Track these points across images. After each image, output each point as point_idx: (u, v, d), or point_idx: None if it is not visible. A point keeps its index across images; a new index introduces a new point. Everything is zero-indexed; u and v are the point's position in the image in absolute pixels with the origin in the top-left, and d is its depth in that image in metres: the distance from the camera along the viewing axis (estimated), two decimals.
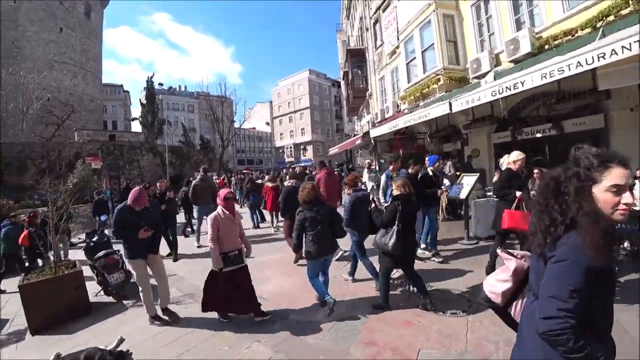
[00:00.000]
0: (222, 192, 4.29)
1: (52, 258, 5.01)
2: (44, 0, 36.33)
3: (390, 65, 16.66)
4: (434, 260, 5.80)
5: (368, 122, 19.53)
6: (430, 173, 6.47)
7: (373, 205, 4.56)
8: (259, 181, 12.22)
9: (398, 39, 15.26)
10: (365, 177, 12.36)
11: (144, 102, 32.72)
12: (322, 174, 7.39)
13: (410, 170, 5.95)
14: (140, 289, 4.26)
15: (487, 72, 9.79)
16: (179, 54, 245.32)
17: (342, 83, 30.36)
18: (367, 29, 19.50)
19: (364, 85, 20.76)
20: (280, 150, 65.26)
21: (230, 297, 4.12)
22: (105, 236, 6.45)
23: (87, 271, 5.40)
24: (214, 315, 4.24)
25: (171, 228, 7.40)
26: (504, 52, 9.32)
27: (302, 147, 60.01)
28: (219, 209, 4.15)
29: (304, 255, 4.37)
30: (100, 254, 5.23)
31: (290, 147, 61.88)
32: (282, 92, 63.45)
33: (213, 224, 4.03)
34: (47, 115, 29.26)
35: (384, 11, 16.87)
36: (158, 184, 8.17)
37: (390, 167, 6.86)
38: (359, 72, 21.31)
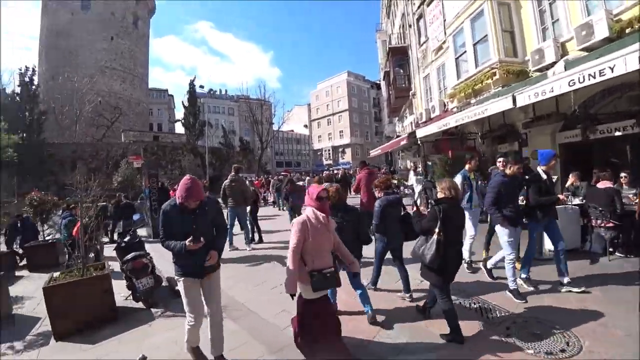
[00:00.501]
0: (314, 190, 3.25)
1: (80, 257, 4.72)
2: (97, 12, 38.90)
3: (435, 62, 15.70)
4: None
5: (412, 122, 18.60)
6: (544, 175, 4.78)
7: (414, 209, 3.95)
8: (300, 183, 11.77)
9: (445, 33, 14.35)
10: (411, 179, 11.58)
11: (186, 104, 33.70)
12: (363, 174, 6.90)
13: (507, 171, 4.70)
14: (187, 316, 3.11)
15: (553, 63, 8.72)
16: (220, 59, 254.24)
17: (383, 84, 29.45)
18: (409, 26, 18.61)
19: (407, 85, 19.85)
20: (319, 153, 65.10)
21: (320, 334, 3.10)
22: (137, 237, 6.09)
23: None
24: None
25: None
26: (573, 39, 8.24)
27: (340, 149, 59.47)
28: (310, 211, 3.17)
29: None
30: (129, 256, 4.89)
31: (329, 150, 61.50)
32: (321, 94, 63.30)
33: (300, 230, 3.04)
34: (97, 118, 31.01)
35: (428, 5, 15.96)
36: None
37: (467, 167, 5.86)
38: (401, 71, 20.42)
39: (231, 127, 58.90)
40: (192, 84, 33.24)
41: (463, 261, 5.25)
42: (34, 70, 25.21)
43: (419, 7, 17.03)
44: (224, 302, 3.51)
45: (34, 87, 24.95)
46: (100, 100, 34.59)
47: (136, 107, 41.96)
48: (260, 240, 8.58)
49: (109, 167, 22.16)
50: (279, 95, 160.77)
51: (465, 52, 11.76)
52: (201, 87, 28.45)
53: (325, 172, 14.69)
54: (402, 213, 4.51)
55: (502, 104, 7.21)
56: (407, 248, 4.04)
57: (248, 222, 8.41)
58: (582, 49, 7.97)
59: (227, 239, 7.71)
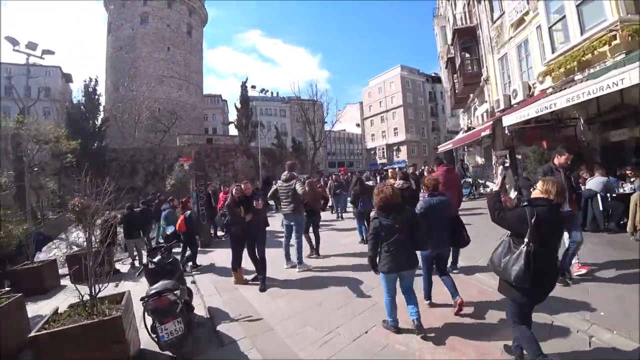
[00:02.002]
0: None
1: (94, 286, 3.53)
2: (155, 25, 40.88)
3: (515, 39, 13.35)
4: None
5: (486, 112, 16.25)
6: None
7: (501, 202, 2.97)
8: (370, 183, 10.14)
9: (528, 2, 12.05)
10: (499, 178, 9.55)
11: (238, 106, 33.57)
12: (440, 171, 5.79)
13: (556, 161, 4.51)
14: None
15: None
16: (270, 65, 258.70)
17: (444, 73, 26.94)
18: (478, 2, 16.28)
19: (476, 70, 17.46)
20: (372, 152, 62.95)
21: None
22: (170, 256, 4.59)
23: None
24: None
25: (259, 244, 5.65)
26: None
27: (395, 147, 56.91)
28: None
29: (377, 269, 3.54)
30: (152, 290, 3.51)
31: (383, 148, 59.19)
32: (373, 91, 61.13)
33: None
34: (156, 124, 31.86)
35: None
36: (240, 187, 5.77)
37: (555, 161, 4.57)
38: (468, 55, 18.06)
39: (283, 128, 58.86)
40: (244, 85, 32.98)
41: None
42: (96, 81, 26.27)
43: None
44: None
45: (96, 96, 25.93)
46: (159, 107, 35.80)
47: (192, 112, 43.17)
48: (317, 253, 7.15)
49: (164, 170, 22.30)
50: (330, 95, 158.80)
51: (563, 18, 9.50)
52: (253, 87, 27.75)
53: (397, 169, 12.56)
54: (452, 217, 4.27)
55: None
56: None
57: (311, 233, 7.22)
58: None
59: (284, 254, 6.49)
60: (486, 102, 16.51)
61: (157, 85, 38.33)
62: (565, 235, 4.37)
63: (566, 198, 3.07)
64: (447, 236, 4.05)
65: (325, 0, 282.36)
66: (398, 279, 3.50)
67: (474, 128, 16.38)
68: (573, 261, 4.61)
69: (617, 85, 5.76)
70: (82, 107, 24.87)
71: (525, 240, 2.54)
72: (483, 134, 11.23)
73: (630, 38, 7.53)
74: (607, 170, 7.83)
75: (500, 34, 14.51)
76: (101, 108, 27.51)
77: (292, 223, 6.26)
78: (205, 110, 52.79)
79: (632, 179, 6.74)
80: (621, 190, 6.45)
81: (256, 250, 5.62)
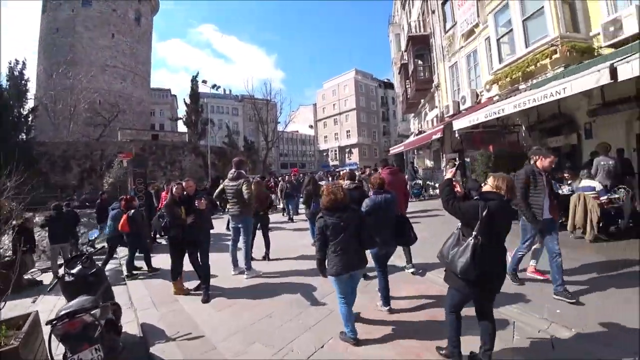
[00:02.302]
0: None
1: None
2: (99, 9, 37.80)
3: (465, 49, 14.09)
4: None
5: (436, 117, 16.95)
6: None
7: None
8: (323, 183, 10.05)
9: (478, 15, 12.77)
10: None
11: (188, 101, 31.92)
12: (384, 173, 5.59)
13: (538, 164, 4.27)
14: None
15: (635, 36, 7.14)
16: (224, 62, 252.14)
17: (396, 79, 27.84)
18: (432, 12, 17.02)
19: (428, 76, 18.21)
20: (324, 154, 63.47)
21: None
22: (94, 266, 3.91)
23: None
24: None
25: (201, 250, 5.05)
26: None
27: (347, 150, 57.85)
28: None
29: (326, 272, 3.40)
30: (63, 310, 2.79)
31: (335, 150, 59.90)
32: (327, 94, 61.73)
33: None
34: (95, 117, 29.42)
35: None
36: (182, 184, 5.19)
37: (538, 164, 4.26)
38: (420, 62, 18.80)
39: (235, 127, 57.61)
40: (194, 80, 31.41)
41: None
42: (24, 64, 23.37)
43: None
44: None
45: (24, 82, 23.10)
46: (100, 99, 33.13)
47: (137, 106, 40.36)
48: (267, 257, 6.76)
49: (102, 167, 20.50)
50: (284, 94, 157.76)
51: (510, 31, 10.16)
52: (204, 82, 26.26)
53: (343, 170, 12.54)
54: (398, 215, 4.27)
55: (590, 80, 5.58)
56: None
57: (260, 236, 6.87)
58: None
59: (231, 259, 5.98)
60: (436, 107, 17.26)
61: (98, 74, 35.35)
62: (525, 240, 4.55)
63: (515, 195, 3.09)
64: (392, 234, 4.05)
65: (283, 0, 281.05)
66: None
67: (424, 132, 17.05)
68: (531, 263, 4.75)
69: (559, 94, 6.19)
70: (4, 92, 21.81)
71: (474, 233, 2.58)
72: (434, 137, 11.70)
73: (568, 53, 8.21)
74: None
75: (452, 44, 15.24)
76: (29, 95, 24.42)
77: (239, 225, 5.84)
78: (152, 104, 49.87)
79: (568, 182, 7.31)
80: (560, 192, 6.96)
81: (199, 256, 5.04)
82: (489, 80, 11.07)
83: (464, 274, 2.58)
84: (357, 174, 11.07)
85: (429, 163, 20.23)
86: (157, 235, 9.49)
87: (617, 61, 5.25)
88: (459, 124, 9.80)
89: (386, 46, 29.80)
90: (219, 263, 6.12)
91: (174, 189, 5.14)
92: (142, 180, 9.06)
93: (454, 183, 2.95)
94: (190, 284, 5.31)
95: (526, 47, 9.43)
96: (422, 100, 20.62)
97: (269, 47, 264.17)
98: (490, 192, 2.75)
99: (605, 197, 5.69)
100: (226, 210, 6.50)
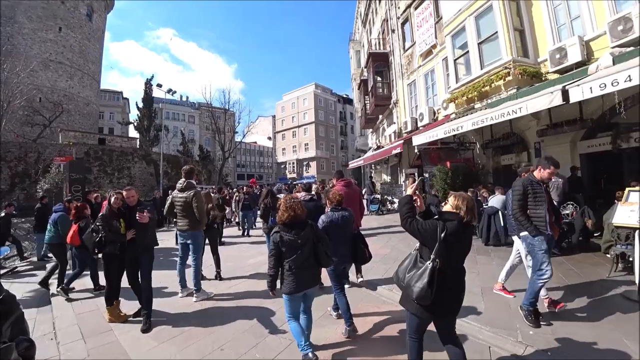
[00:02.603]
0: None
1: None
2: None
3: (423, 68, 14.63)
4: None
5: (394, 132, 17.33)
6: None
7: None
8: (282, 196, 9.74)
9: (436, 36, 13.35)
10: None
11: (140, 105, 30.15)
12: (339, 185, 5.64)
13: (536, 174, 4.04)
14: None
15: (578, 64, 7.73)
16: (182, 68, 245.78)
17: (356, 94, 28.37)
18: (392, 31, 17.59)
19: (387, 93, 18.70)
20: (282, 166, 63.00)
21: None
22: (2, 291, 3.06)
23: None
24: None
25: (143, 270, 4.35)
26: (606, 35, 7.27)
27: (305, 163, 57.83)
28: None
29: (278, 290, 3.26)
30: None
31: (293, 163, 59.65)
32: (287, 106, 61.68)
33: None
34: (33, 115, 26.82)
35: (416, 8, 15.02)
36: (122, 194, 4.46)
37: (535, 173, 4.00)
38: (379, 79, 19.29)
39: (191, 135, 55.74)
40: (148, 83, 29.88)
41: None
42: None
43: (404, 10, 16.05)
44: None
45: None
46: (40, 97, 30.36)
47: (84, 107, 37.42)
48: (219, 277, 6.16)
49: (38, 172, 18.54)
50: (243, 104, 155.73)
51: (466, 52, 10.63)
52: (159, 85, 24.79)
53: (301, 183, 12.21)
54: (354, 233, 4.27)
55: (544, 101, 5.88)
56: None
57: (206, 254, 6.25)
58: (620, 46, 6.99)
59: (178, 279, 5.38)
60: (395, 123, 17.70)
61: (40, 70, 32.28)
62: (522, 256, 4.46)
63: (475, 216, 2.69)
64: (349, 252, 4.03)
65: (246, 10, 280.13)
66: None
67: (383, 147, 17.36)
68: (500, 279, 4.62)
69: (515, 113, 6.47)
70: None
71: (432, 256, 2.45)
72: (394, 151, 11.90)
73: (520, 76, 8.70)
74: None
75: (410, 62, 15.78)
76: None
77: (188, 242, 5.23)
78: (101, 107, 46.71)
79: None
80: None
81: (139, 277, 4.37)
82: (446, 98, 11.48)
83: (420, 300, 2.45)
84: (315, 186, 10.92)
85: (386, 178, 20.60)
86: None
87: (569, 84, 5.56)
88: (418, 140, 10.01)
89: (345, 63, 30.29)
90: (165, 283, 5.65)
91: (112, 199, 4.39)
92: (79, 188, 8.20)
93: (416, 198, 2.76)
94: (130, 306, 4.61)
95: (481, 68, 9.89)
96: (381, 116, 21.11)
97: (229, 56, 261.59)
98: (449, 213, 2.59)
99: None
100: (174, 224, 5.94)
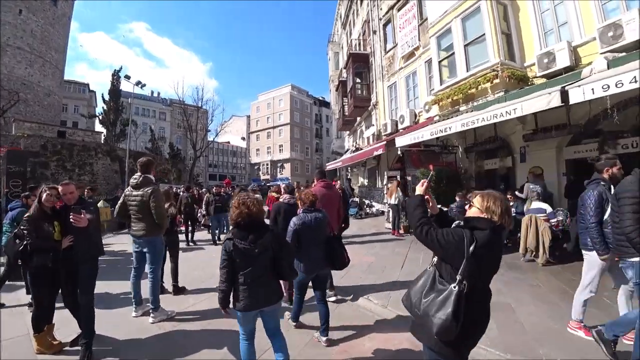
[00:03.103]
0: None
1: None
2: None
3: (405, 70, 14.41)
4: None
5: (373, 135, 17.04)
6: None
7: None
8: (257, 197, 9.09)
9: (419, 38, 13.15)
10: (394, 197, 9.66)
11: (107, 97, 28.29)
12: (319, 186, 5.11)
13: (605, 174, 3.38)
14: None
15: (567, 69, 7.63)
16: (155, 64, 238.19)
17: (333, 96, 28.03)
18: (374, 32, 17.34)
19: (366, 95, 18.41)
20: (256, 167, 61.87)
21: None
22: None
23: None
24: None
25: (82, 285, 3.47)
26: (596, 41, 7.18)
27: (279, 164, 57.01)
28: None
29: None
30: None
31: (267, 164, 58.68)
32: (262, 106, 60.70)
33: None
34: None
35: (399, 10, 14.80)
36: (56, 189, 3.54)
37: (605, 175, 3.38)
38: (359, 80, 18.98)
39: (162, 133, 53.72)
40: (116, 75, 28.14)
41: None
42: None
43: (387, 12, 15.82)
44: None
45: None
46: None
47: (45, 98, 34.78)
48: (178, 290, 5.29)
49: None
50: (217, 103, 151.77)
51: (451, 54, 10.43)
52: (127, 77, 23.29)
53: (281, 183, 11.41)
54: (331, 236, 3.86)
55: (541, 102, 5.63)
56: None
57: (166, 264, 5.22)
58: (611, 51, 6.91)
59: (132, 295, 4.48)
60: (374, 125, 17.42)
61: None
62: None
63: (511, 221, 2.09)
64: (323, 256, 3.68)
65: (223, 8, 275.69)
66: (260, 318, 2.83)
67: (361, 149, 17.02)
68: (576, 317, 3.53)
69: (509, 114, 6.19)
70: None
71: (458, 277, 1.84)
72: (375, 153, 11.52)
73: (508, 79, 8.52)
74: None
75: (392, 64, 15.54)
76: None
77: (144, 250, 4.33)
78: (65, 99, 43.84)
79: (511, 203, 7.39)
80: None
81: (78, 295, 3.47)
82: (430, 100, 11.24)
83: (442, 335, 1.84)
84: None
85: (364, 181, 20.30)
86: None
87: (569, 84, 5.32)
88: (401, 141, 9.66)
89: (322, 67, 29.86)
90: (116, 300, 4.83)
91: (44, 196, 3.44)
92: (19, 182, 7.21)
93: (427, 198, 2.21)
94: (69, 331, 3.67)
95: (467, 70, 9.69)
96: (359, 118, 20.83)
97: (204, 54, 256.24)
98: (478, 219, 2.00)
99: (555, 220, 5.68)
100: (128, 227, 4.95)
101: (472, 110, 8.44)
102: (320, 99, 63.03)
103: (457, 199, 7.68)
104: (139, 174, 4.33)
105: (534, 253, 5.73)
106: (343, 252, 3.77)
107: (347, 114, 21.10)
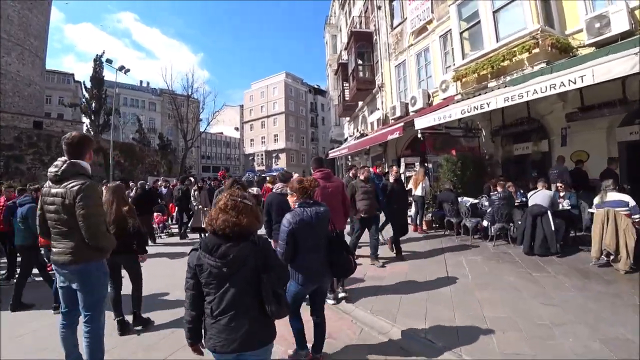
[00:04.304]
0: None
1: None
2: None
3: (415, 47, 13.06)
4: None
5: (378, 120, 15.72)
6: None
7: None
8: (254, 190, 7.67)
9: (432, 10, 11.80)
10: (420, 188, 8.24)
11: (89, 85, 26.19)
12: (316, 177, 4.16)
13: None
14: None
15: (625, 34, 6.38)
16: (145, 55, 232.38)
17: (332, 81, 26.55)
18: (378, 8, 15.90)
19: (369, 76, 17.03)
20: (250, 158, 60.21)
21: None
22: None
23: None
24: None
25: None
26: None
27: (274, 154, 55.46)
28: None
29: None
30: None
31: (261, 155, 57.07)
32: (255, 95, 58.80)
33: None
34: None
35: None
36: None
37: None
38: (361, 62, 17.55)
39: (152, 124, 51.95)
40: (98, 60, 26.14)
41: None
42: None
43: None
44: None
45: None
46: None
47: (25, 88, 32.66)
48: (140, 322, 3.76)
49: None
50: (209, 89, 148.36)
51: (475, 24, 9.14)
52: (109, 61, 21.28)
53: (279, 172, 9.99)
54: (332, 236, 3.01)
55: (623, 65, 4.39)
56: None
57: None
58: None
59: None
60: (379, 109, 16.10)
61: None
62: None
63: None
64: (325, 262, 2.88)
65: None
66: None
67: (366, 135, 15.70)
68: None
69: (573, 83, 4.96)
70: None
71: None
72: (391, 136, 10.20)
73: (550, 48, 7.25)
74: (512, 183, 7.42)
75: (399, 41, 14.18)
76: None
77: (73, 285, 2.61)
78: (49, 90, 41.60)
79: (561, 194, 6.19)
80: (560, 207, 5.78)
81: None
82: (450, 77, 9.94)
83: None
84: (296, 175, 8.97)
85: (415, 166, 18.90)
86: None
87: None
88: (421, 123, 8.39)
89: (317, 53, 28.27)
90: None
91: None
92: None
93: None
94: None
95: (497, 41, 8.40)
96: (361, 103, 19.45)
97: (195, 45, 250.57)
98: None
99: (638, 215, 4.45)
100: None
101: (505, 86, 7.18)
102: (316, 86, 61.21)
103: (499, 188, 6.43)
104: (63, 158, 2.65)
105: (612, 257, 4.53)
106: (348, 256, 2.95)
107: (348, 98, 19.71)
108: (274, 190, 4.25)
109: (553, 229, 5.18)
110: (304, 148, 57.44)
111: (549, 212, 5.31)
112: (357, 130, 20.23)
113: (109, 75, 28.66)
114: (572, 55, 7.44)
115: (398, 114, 13.17)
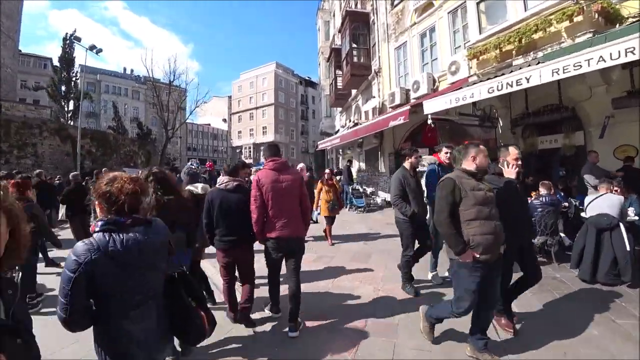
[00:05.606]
0: None
1: None
2: None
3: (419, 26, 11.55)
4: None
5: (374, 108, 14.21)
6: None
7: None
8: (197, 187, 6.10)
9: None
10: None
11: (57, 65, 23.88)
12: (267, 167, 3.42)
13: None
14: None
15: None
16: (133, 44, 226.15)
17: (324, 69, 24.89)
18: None
19: (365, 61, 15.49)
20: (238, 150, 58.24)
21: None
22: None
23: None
24: None
25: None
26: None
27: (262, 147, 53.53)
28: None
29: None
30: None
31: (250, 147, 55.17)
32: (244, 85, 56.71)
33: None
34: None
35: None
36: None
37: None
38: (355, 45, 15.98)
39: (135, 113, 49.67)
40: (69, 39, 23.84)
41: None
42: None
43: None
44: None
45: None
46: None
47: None
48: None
49: None
50: (193, 75, 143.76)
51: None
52: (77, 39, 19.06)
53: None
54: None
55: None
56: None
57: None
58: None
59: None
60: (374, 97, 14.57)
61: None
62: None
63: None
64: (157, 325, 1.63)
65: None
66: None
67: (361, 124, 14.18)
68: None
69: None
70: None
71: None
72: (392, 123, 8.66)
73: (598, 15, 5.80)
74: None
75: (400, 21, 12.64)
76: None
77: None
78: (24, 74, 38.93)
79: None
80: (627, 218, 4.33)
81: None
82: (465, 55, 8.44)
83: None
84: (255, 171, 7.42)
85: (360, 164, 17.49)
86: None
87: None
88: (433, 106, 6.89)
89: (308, 45, 26.60)
90: None
91: None
92: None
93: None
94: None
95: (525, 10, 6.94)
96: (355, 91, 17.87)
97: (184, 35, 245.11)
98: None
99: None
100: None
101: (537, 63, 5.70)
102: (307, 78, 59.37)
103: (542, 190, 4.93)
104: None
105: None
106: (197, 313, 1.74)
107: (341, 86, 18.16)
108: (217, 185, 3.53)
109: (628, 248, 3.72)
110: (293, 141, 55.71)
111: (621, 225, 3.85)
112: (350, 121, 18.68)
113: (90, 61, 26.59)
114: (624, 21, 6.02)
115: (397, 101, 11.67)
